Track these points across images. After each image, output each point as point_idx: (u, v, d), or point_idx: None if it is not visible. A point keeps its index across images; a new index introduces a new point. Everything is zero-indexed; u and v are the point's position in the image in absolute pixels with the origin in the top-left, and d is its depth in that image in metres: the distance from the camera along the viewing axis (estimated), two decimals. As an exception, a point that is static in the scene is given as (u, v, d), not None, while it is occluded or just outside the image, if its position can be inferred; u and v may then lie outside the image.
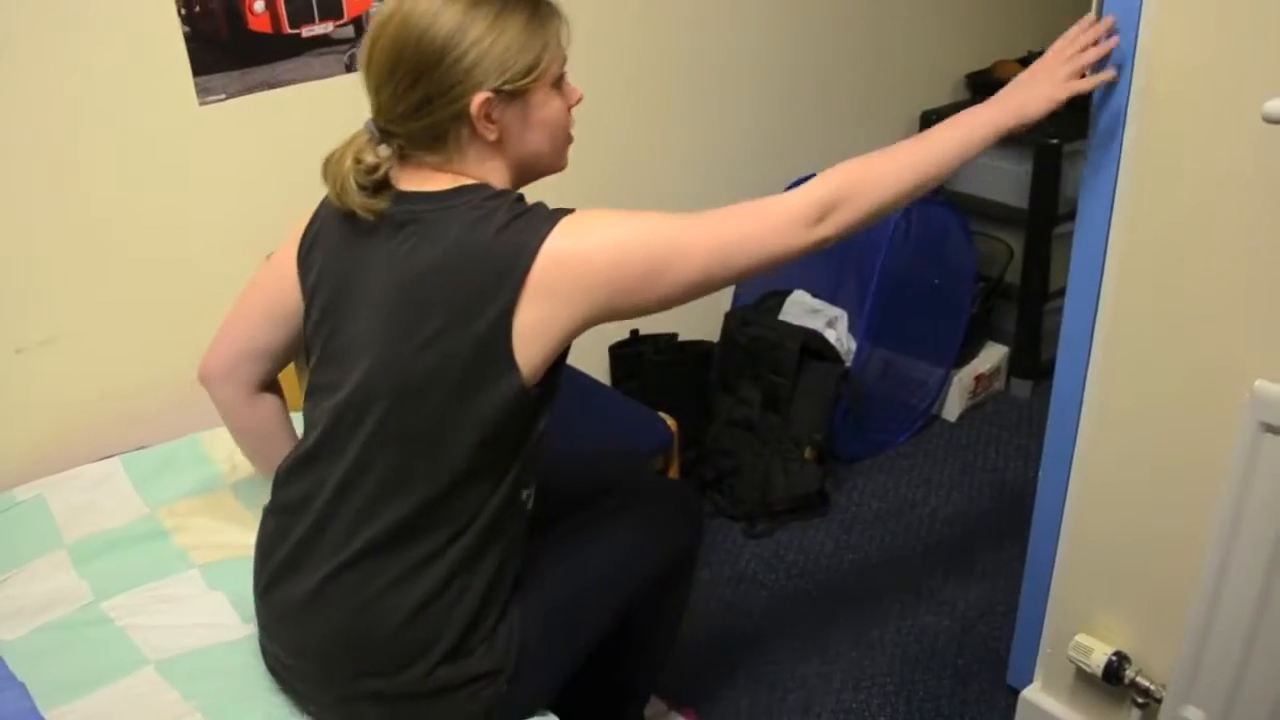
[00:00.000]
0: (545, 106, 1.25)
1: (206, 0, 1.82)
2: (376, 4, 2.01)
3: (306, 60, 1.97)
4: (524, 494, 1.34)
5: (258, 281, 1.46)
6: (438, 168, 1.25)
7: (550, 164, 1.32)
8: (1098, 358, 1.58)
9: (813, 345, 2.48)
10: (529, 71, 1.21)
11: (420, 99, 1.19)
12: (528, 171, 1.31)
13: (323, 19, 1.96)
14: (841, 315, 2.67)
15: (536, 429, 1.29)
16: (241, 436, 1.54)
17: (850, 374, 2.52)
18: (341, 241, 1.30)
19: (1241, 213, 1.34)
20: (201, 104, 1.87)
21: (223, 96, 1.89)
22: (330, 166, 1.27)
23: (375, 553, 1.27)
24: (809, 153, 2.84)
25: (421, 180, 1.25)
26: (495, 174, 1.27)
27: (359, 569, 1.28)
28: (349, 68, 2.02)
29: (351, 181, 1.23)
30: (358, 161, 1.23)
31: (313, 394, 1.35)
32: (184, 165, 1.89)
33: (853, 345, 2.63)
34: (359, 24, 2.00)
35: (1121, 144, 1.43)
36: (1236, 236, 1.36)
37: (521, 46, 1.20)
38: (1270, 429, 1.33)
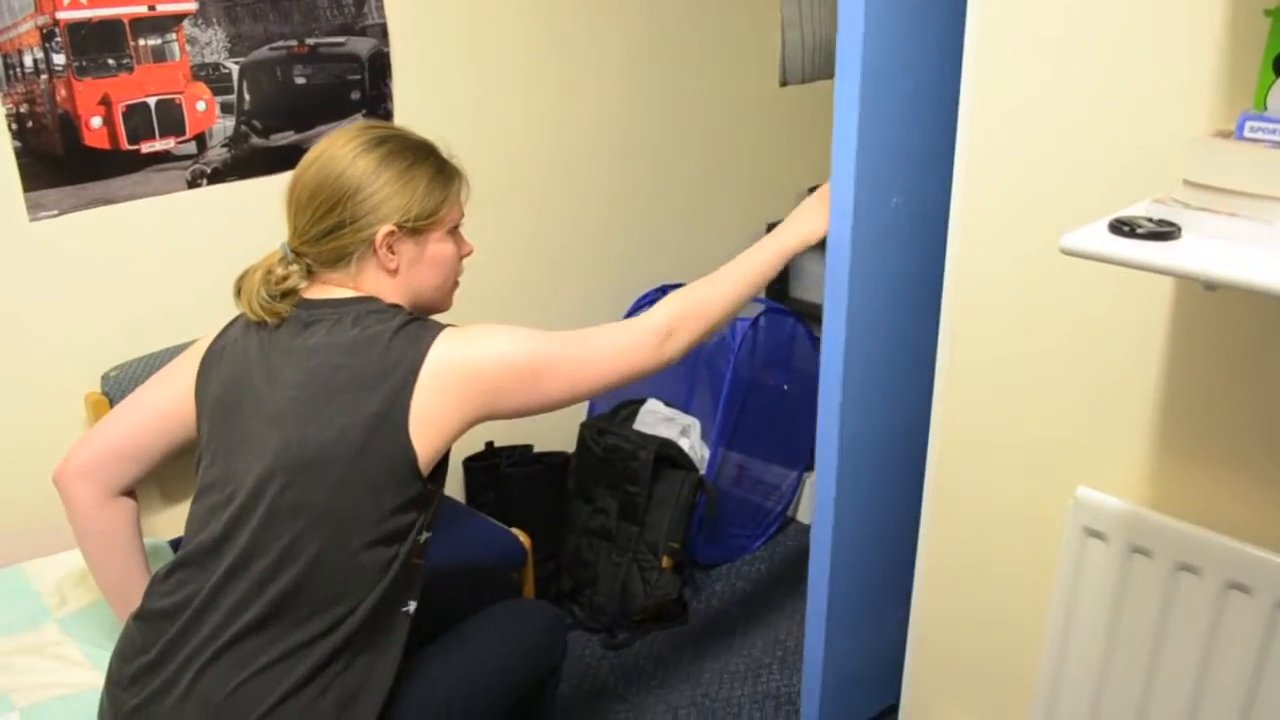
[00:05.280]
0: (439, 247, 1.43)
1: (39, 115, 1.77)
2: (220, 120, 1.99)
3: (146, 176, 1.93)
4: (405, 605, 1.38)
5: (150, 387, 1.49)
6: (340, 283, 1.40)
7: (438, 301, 1.48)
8: (934, 464, 1.63)
9: (667, 453, 2.50)
10: (429, 215, 1.40)
11: (334, 224, 1.36)
12: (416, 304, 1.44)
13: (164, 135, 1.93)
14: (695, 423, 2.70)
15: (420, 525, 1.36)
16: (88, 541, 1.50)
17: (705, 481, 2.55)
18: (247, 348, 1.40)
19: (1052, 332, 1.43)
20: (32, 220, 1.81)
21: (55, 212, 1.83)
22: (245, 279, 1.42)
23: (250, 635, 1.29)
24: (661, 262, 2.91)
25: (325, 292, 1.40)
26: (388, 298, 1.41)
27: (229, 656, 1.28)
28: (191, 183, 1.98)
29: (262, 290, 1.38)
30: (268, 273, 1.39)
31: (202, 494, 1.38)
32: (12, 283, 1.82)
33: (706, 452, 2.67)
34: (201, 140, 1.98)
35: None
36: (1049, 353, 1.44)
37: (425, 195, 1.39)
38: (1093, 533, 1.40)
